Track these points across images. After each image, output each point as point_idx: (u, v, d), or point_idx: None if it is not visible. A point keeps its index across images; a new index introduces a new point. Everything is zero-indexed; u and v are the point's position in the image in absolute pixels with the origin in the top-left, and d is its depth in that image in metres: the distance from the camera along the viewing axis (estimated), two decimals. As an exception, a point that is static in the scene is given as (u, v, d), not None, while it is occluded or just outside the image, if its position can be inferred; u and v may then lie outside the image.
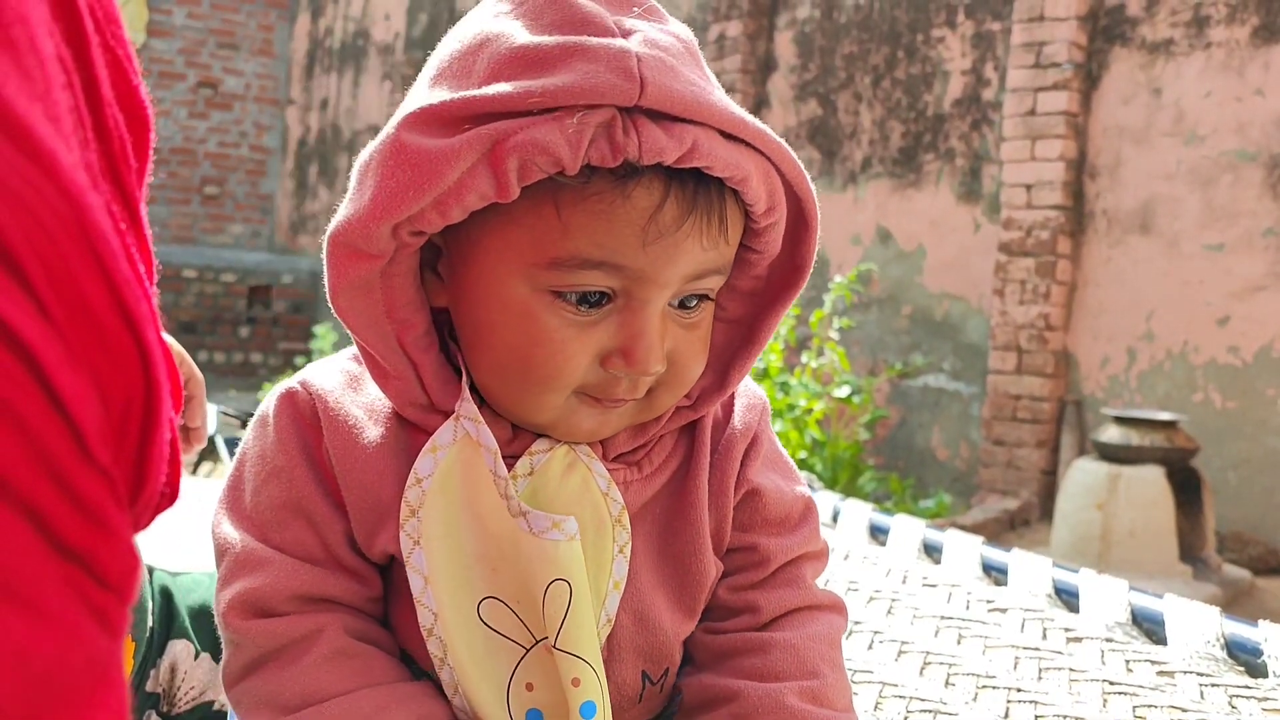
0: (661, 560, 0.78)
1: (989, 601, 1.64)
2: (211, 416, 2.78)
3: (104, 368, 0.31)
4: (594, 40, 0.61)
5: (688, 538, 0.78)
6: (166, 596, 1.11)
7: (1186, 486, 4.14)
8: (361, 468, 0.72)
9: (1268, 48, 4.54)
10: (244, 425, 3.02)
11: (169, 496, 0.38)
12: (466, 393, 0.70)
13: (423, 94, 0.65)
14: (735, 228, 0.67)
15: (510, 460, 0.72)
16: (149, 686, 1.08)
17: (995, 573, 1.76)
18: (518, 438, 0.73)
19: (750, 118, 0.64)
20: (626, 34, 0.62)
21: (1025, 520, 4.85)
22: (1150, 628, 1.52)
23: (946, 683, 1.33)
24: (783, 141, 0.66)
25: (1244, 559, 4.36)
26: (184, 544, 1.72)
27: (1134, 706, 1.28)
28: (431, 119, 0.61)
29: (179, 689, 1.09)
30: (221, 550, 0.73)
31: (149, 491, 0.35)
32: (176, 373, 0.39)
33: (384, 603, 0.75)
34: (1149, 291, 4.84)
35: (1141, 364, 4.87)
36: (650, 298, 0.66)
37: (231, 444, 2.67)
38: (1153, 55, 4.86)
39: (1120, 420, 4.25)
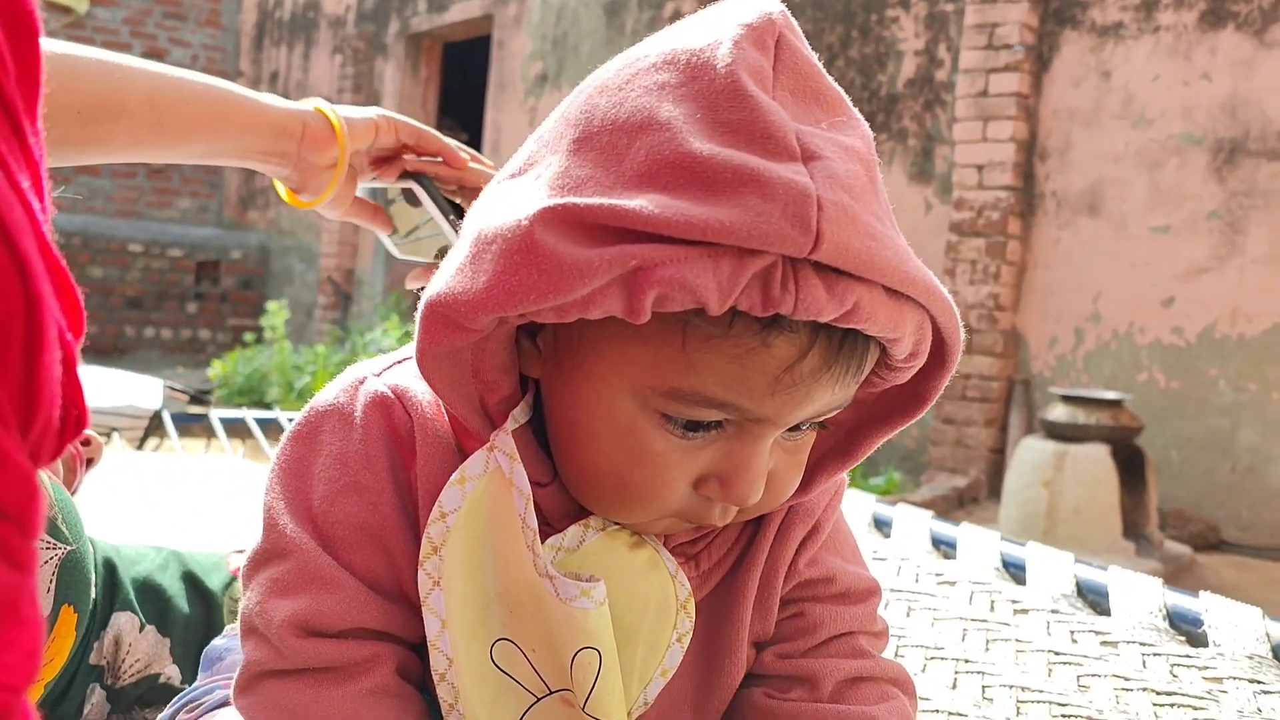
0: (699, 657, 0.73)
1: (938, 575, 1.66)
2: (157, 391, 2.74)
3: None
4: (772, 169, 0.52)
5: (727, 636, 0.73)
6: (110, 569, 1.09)
7: (1131, 465, 4.22)
8: None
9: (1214, 32, 4.61)
10: (192, 400, 2.98)
11: (74, 423, 0.35)
12: (508, 424, 0.64)
13: (564, 168, 0.57)
14: (869, 367, 0.61)
15: (562, 523, 0.67)
16: (93, 659, 1.06)
17: (944, 546, 1.78)
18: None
19: (920, 270, 0.57)
20: (809, 158, 0.53)
21: (974, 498, 4.91)
22: (1095, 599, 1.55)
23: (896, 654, 1.34)
24: (947, 294, 0.60)
25: (1185, 536, 4.46)
26: (128, 517, 1.70)
27: (1078, 676, 1.30)
28: (573, 221, 0.53)
29: (124, 661, 1.08)
30: (278, 547, 0.67)
31: (42, 415, 0.32)
32: (72, 289, 0.36)
33: None
34: (1096, 273, 4.91)
35: (1088, 344, 4.94)
36: (764, 434, 0.60)
37: (178, 419, 2.63)
38: (1102, 38, 4.92)
39: (1067, 399, 4.31)
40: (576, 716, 0.67)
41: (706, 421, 0.59)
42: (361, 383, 0.69)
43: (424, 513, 0.65)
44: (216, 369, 6.60)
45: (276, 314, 6.88)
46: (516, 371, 0.64)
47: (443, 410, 0.67)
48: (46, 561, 0.89)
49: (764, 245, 0.52)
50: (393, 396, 0.67)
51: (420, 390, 0.67)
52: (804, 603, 0.75)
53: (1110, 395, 4.30)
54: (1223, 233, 4.57)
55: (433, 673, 0.66)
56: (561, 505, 0.67)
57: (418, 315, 0.60)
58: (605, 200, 0.53)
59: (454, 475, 0.64)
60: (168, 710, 0.81)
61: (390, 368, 0.70)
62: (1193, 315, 4.64)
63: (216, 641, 0.87)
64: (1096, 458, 4.12)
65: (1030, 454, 4.27)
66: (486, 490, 0.64)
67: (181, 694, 0.82)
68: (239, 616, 0.68)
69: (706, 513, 0.64)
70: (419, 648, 0.69)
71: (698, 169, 0.53)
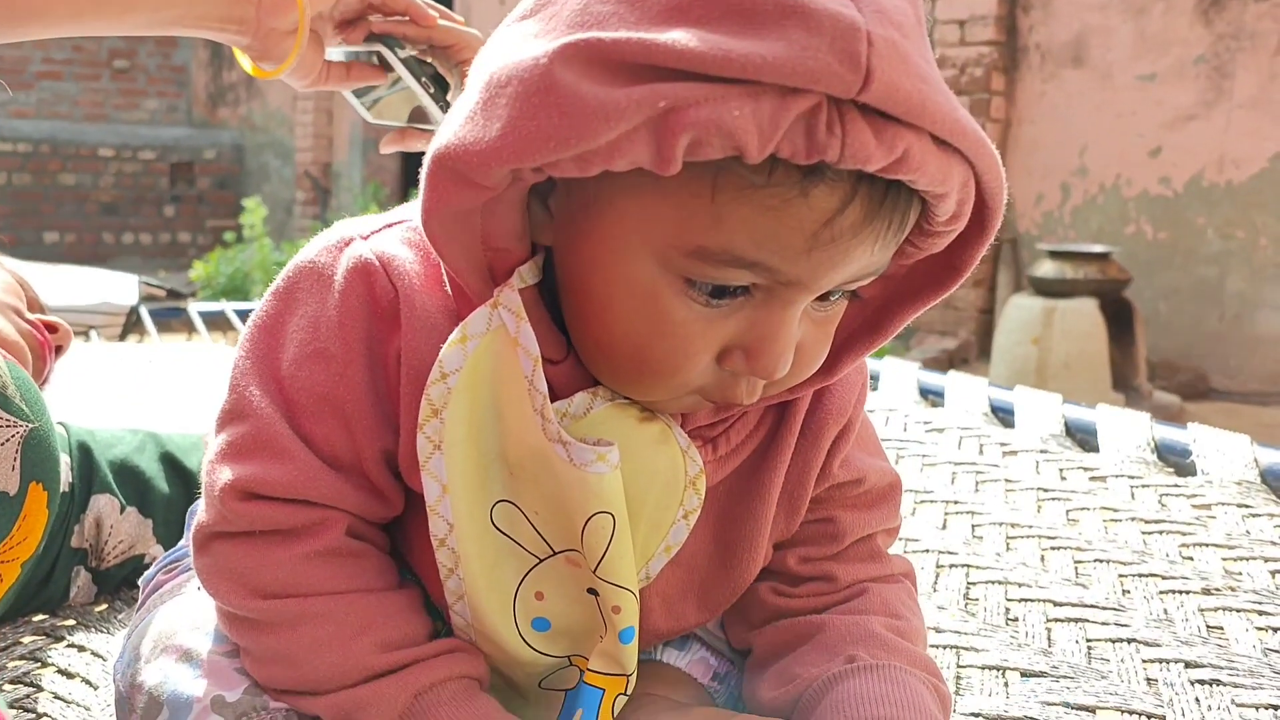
0: (713, 547, 0.71)
1: (926, 423, 1.66)
2: (132, 288, 2.70)
3: None
4: (819, 0, 0.47)
5: (748, 530, 0.70)
6: (85, 452, 1.08)
7: (1119, 317, 4.22)
8: None
9: None
10: (170, 295, 2.94)
11: None
12: (514, 280, 0.60)
13: (584, 4, 0.52)
14: (910, 227, 0.56)
15: (566, 387, 0.63)
16: (74, 542, 1.05)
17: (932, 396, 1.78)
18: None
19: (969, 121, 0.52)
20: None
21: (964, 359, 4.92)
22: (1083, 438, 1.55)
23: (884, 498, 1.34)
24: (994, 149, 0.55)
25: (1174, 386, 4.48)
26: (105, 405, 1.68)
27: (1067, 510, 1.30)
28: (596, 59, 0.48)
29: (106, 543, 1.07)
30: (239, 407, 0.64)
31: None
32: None
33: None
34: (1082, 125, 4.83)
35: (1075, 199, 4.89)
36: (795, 299, 0.56)
37: (156, 315, 2.60)
38: (1085, -120, 4.76)
39: (1055, 255, 4.29)
40: (582, 577, 0.65)
41: (733, 287, 0.55)
42: (347, 244, 0.64)
43: (407, 388, 0.62)
44: (198, 270, 6.52)
45: (255, 211, 6.77)
46: (529, 239, 0.59)
47: (436, 280, 0.63)
48: (8, 440, 0.87)
49: (809, 83, 0.47)
50: (377, 264, 0.62)
51: (408, 258, 0.63)
52: (832, 506, 0.73)
53: (1098, 249, 4.28)
54: (1210, 77, 4.49)
55: (431, 538, 0.63)
56: (574, 384, 0.63)
57: (423, 171, 0.55)
58: (632, 35, 0.48)
59: (454, 334, 0.60)
60: (150, 570, 0.80)
61: (379, 231, 0.65)
62: (1180, 164, 4.58)
63: (200, 503, 0.87)
64: (1085, 312, 4.11)
65: (1019, 311, 4.27)
66: (489, 349, 0.60)
67: (165, 555, 0.81)
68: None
69: (731, 389, 0.59)
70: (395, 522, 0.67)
71: (738, 2, 0.48)
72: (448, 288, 0.63)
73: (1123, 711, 0.85)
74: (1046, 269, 4.28)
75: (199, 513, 0.66)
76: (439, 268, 0.63)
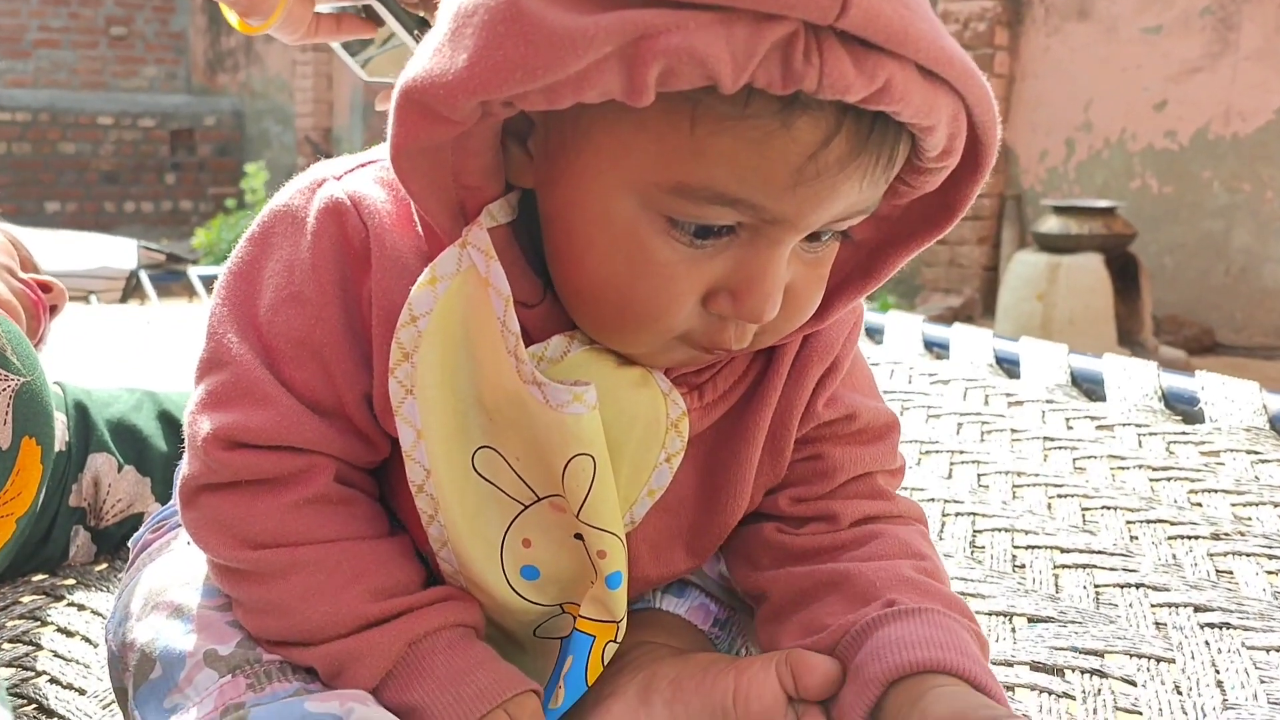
0: (699, 492, 0.69)
1: (931, 375, 1.64)
2: (131, 252, 2.68)
3: None
4: None
5: (732, 472, 0.69)
6: (81, 410, 1.07)
7: (1124, 272, 4.19)
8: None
9: None
10: (169, 259, 2.93)
11: None
12: (483, 218, 0.58)
13: None
14: (900, 163, 0.55)
15: (542, 331, 0.61)
16: (72, 501, 1.05)
17: (937, 348, 1.76)
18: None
19: (957, 50, 0.50)
20: None
21: (968, 316, 4.90)
22: (1089, 387, 1.53)
23: (889, 449, 1.33)
24: (984, 80, 0.52)
25: (1179, 340, 4.46)
26: (103, 364, 1.67)
27: (1073, 459, 1.29)
28: None
29: (105, 502, 1.06)
30: (217, 356, 0.63)
31: None
32: None
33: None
34: (1087, 80, 4.78)
35: (1080, 154, 4.85)
36: (782, 238, 0.54)
37: (157, 279, 2.59)
38: None
39: (1059, 210, 4.26)
40: (567, 522, 0.63)
41: (717, 226, 0.53)
42: (320, 185, 0.63)
43: (379, 329, 0.61)
44: (200, 237, 6.51)
45: (256, 176, 6.75)
46: (503, 178, 0.58)
47: (408, 220, 0.62)
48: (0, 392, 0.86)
49: (784, 9, 0.45)
50: (349, 204, 0.61)
51: (380, 198, 0.62)
52: (822, 443, 0.71)
53: (1103, 204, 4.25)
54: (1215, 29, 4.44)
55: (409, 484, 0.62)
56: (550, 328, 0.62)
57: (390, 105, 0.53)
58: None
59: (423, 275, 0.59)
60: (140, 530, 0.79)
61: (353, 170, 0.64)
62: (1185, 117, 4.54)
63: (184, 459, 0.85)
64: (1090, 267, 4.09)
65: (1023, 268, 4.24)
66: (460, 291, 0.59)
67: (155, 514, 0.80)
68: None
69: (719, 334, 0.58)
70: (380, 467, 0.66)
71: None
72: (419, 228, 0.61)
73: (1131, 655, 0.84)
74: (1051, 225, 4.25)
75: (183, 465, 0.64)
76: (411, 206, 0.61)
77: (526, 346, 0.60)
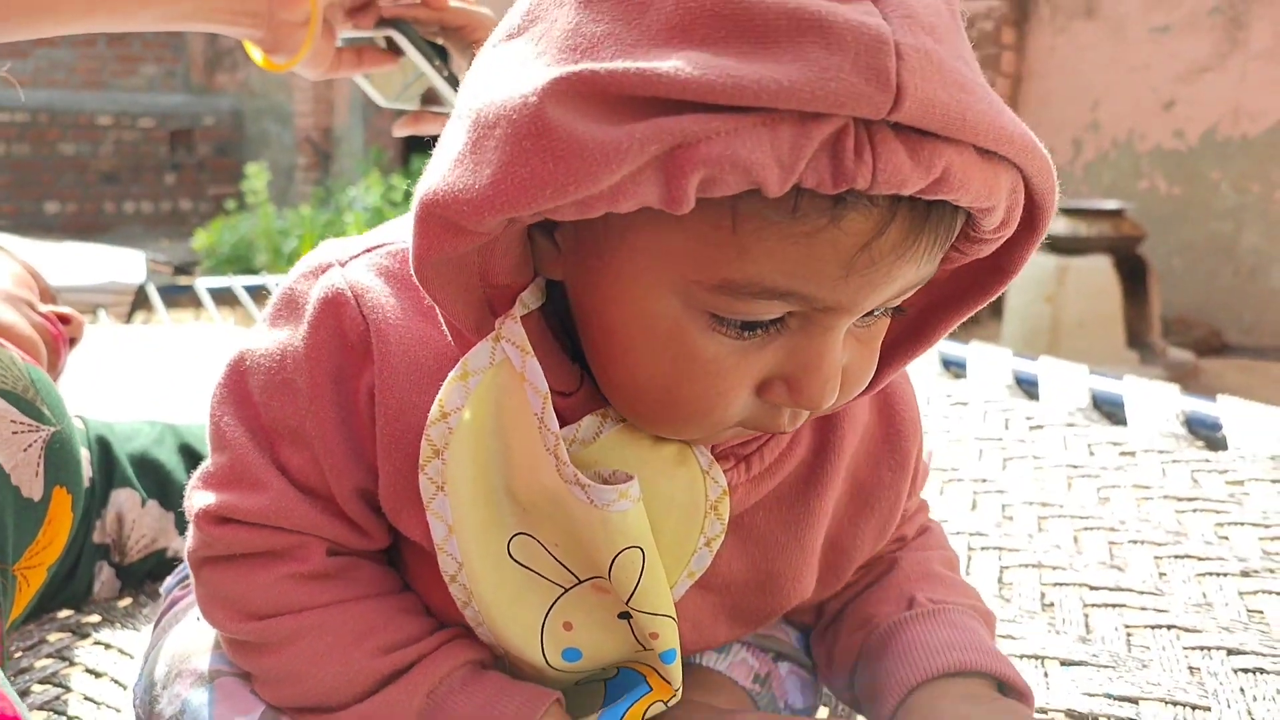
0: (746, 574, 0.67)
1: (948, 396, 1.64)
2: (140, 265, 2.68)
3: None
4: (837, 10, 0.42)
5: (792, 560, 0.67)
6: (104, 446, 1.07)
7: (1133, 274, 4.18)
8: (418, 423, 0.58)
9: None
10: (176, 272, 2.92)
11: None
12: (516, 309, 0.55)
13: (574, 23, 0.46)
14: (955, 235, 0.51)
15: (575, 413, 0.59)
16: (96, 538, 1.04)
17: (954, 367, 1.75)
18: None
19: (1016, 125, 0.47)
20: None
21: (975, 319, 4.89)
22: (1110, 410, 1.53)
23: (912, 478, 1.32)
24: (1044, 151, 0.49)
25: (1188, 342, 4.45)
26: (118, 394, 1.66)
27: (1098, 489, 1.28)
28: (592, 94, 0.44)
29: (129, 538, 1.06)
30: (217, 436, 0.62)
31: None
32: None
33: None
34: (1094, 79, 4.77)
35: (1088, 154, 4.84)
36: (836, 324, 0.51)
37: (164, 292, 2.58)
38: None
39: (1067, 212, 4.24)
40: (612, 603, 0.62)
41: (766, 320, 0.50)
42: (324, 270, 0.62)
43: (387, 427, 0.59)
44: (201, 239, 6.49)
45: (257, 176, 6.73)
46: (531, 269, 0.55)
47: (417, 312, 0.60)
48: (31, 445, 0.86)
49: (833, 108, 0.42)
50: (349, 295, 0.59)
51: (385, 290, 0.60)
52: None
53: (1111, 205, 4.23)
54: (1225, 28, 4.42)
55: (442, 574, 0.61)
56: (583, 410, 0.59)
57: (411, 216, 0.51)
58: (630, 64, 0.43)
59: (454, 370, 0.56)
60: (170, 579, 0.79)
61: (358, 256, 0.62)
62: (1194, 117, 4.52)
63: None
64: (1099, 269, 4.08)
65: (1032, 269, 4.23)
66: (494, 384, 0.56)
67: (180, 567, 0.80)
68: None
69: (774, 420, 0.55)
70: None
71: (743, 15, 0.42)
72: (443, 326, 0.59)
73: (1168, 703, 0.84)
74: (1059, 225, 4.23)
75: (188, 539, 0.64)
76: (420, 293, 0.58)
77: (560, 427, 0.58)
